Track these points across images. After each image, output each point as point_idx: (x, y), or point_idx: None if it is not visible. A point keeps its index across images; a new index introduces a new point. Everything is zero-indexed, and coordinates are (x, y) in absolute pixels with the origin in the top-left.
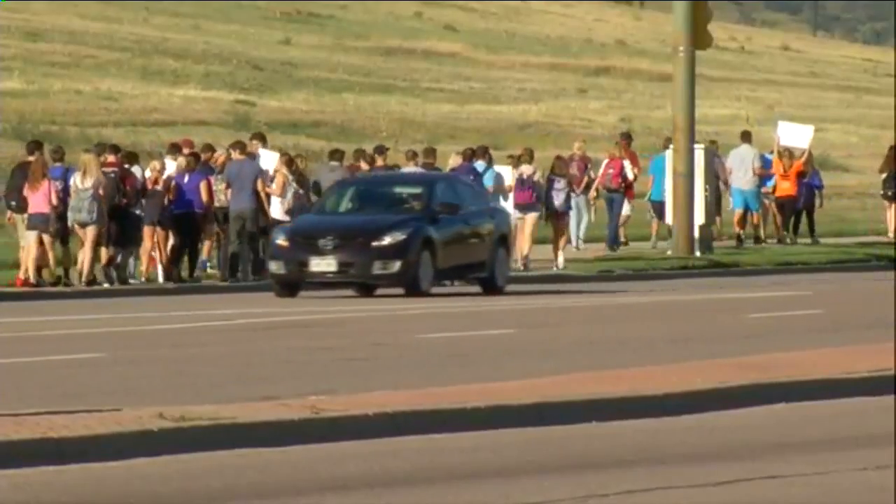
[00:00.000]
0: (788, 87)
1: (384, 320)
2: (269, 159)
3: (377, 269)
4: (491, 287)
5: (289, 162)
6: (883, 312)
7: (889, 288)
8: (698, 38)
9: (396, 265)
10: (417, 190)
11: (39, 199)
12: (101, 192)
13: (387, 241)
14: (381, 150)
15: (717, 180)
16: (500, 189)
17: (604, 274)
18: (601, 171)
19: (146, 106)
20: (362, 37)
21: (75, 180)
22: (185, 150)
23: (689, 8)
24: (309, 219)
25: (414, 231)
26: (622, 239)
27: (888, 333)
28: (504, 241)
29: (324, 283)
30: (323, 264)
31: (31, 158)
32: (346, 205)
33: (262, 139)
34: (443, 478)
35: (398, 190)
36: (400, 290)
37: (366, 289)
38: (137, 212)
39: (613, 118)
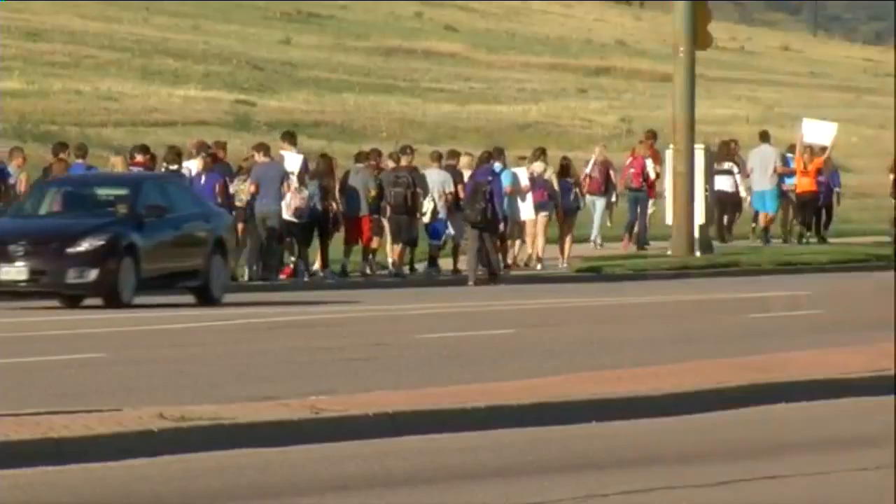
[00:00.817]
0: (788, 87)
1: (385, 320)
2: (293, 161)
3: (71, 277)
4: (206, 297)
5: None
6: (882, 312)
7: (889, 287)
8: (698, 38)
9: (93, 273)
10: (122, 191)
11: None
12: None
13: (83, 246)
14: (406, 150)
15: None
16: (517, 190)
17: (601, 274)
18: (623, 169)
19: (146, 106)
20: (362, 37)
21: None
22: (196, 151)
23: (689, 8)
24: (2, 222)
25: (113, 236)
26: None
27: (888, 334)
28: (222, 246)
29: (14, 292)
30: (13, 272)
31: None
32: (46, 207)
33: (292, 140)
34: (443, 478)
35: (102, 191)
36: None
37: (69, 300)
38: None
39: (614, 118)
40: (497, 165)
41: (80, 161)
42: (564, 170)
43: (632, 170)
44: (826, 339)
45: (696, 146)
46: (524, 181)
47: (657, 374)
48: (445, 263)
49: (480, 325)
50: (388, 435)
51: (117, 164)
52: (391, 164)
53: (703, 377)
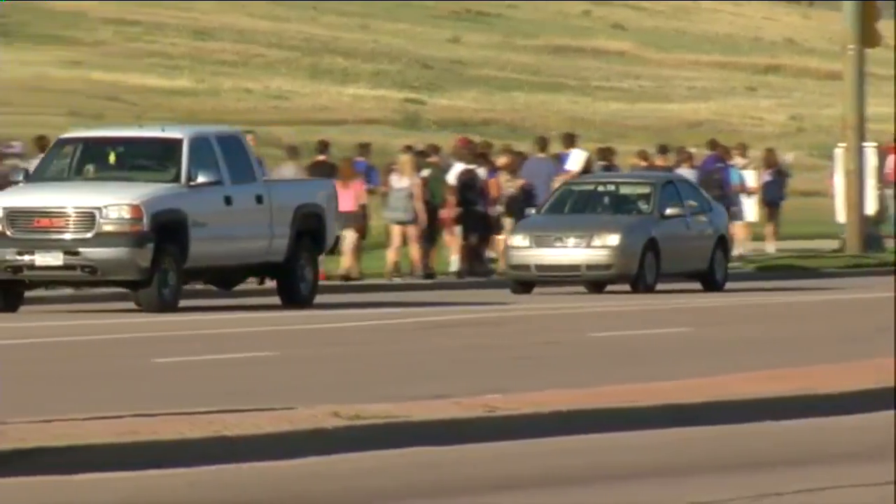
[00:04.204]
0: None
1: (557, 318)
2: (576, 158)
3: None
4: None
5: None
6: None
7: None
8: (867, 36)
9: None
10: (645, 191)
11: (349, 197)
12: (415, 191)
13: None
14: (664, 149)
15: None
16: (742, 188)
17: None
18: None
19: (316, 104)
20: (531, 35)
21: (391, 180)
22: (465, 151)
23: (858, 6)
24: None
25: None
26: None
27: None
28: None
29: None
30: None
31: (321, 157)
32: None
33: (571, 140)
34: (616, 477)
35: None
36: None
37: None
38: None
39: (783, 116)
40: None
41: (360, 159)
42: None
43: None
44: None
45: (867, 144)
46: (750, 182)
47: (828, 373)
48: None
49: (655, 324)
50: (561, 433)
51: (405, 164)
52: (641, 162)
53: (873, 376)
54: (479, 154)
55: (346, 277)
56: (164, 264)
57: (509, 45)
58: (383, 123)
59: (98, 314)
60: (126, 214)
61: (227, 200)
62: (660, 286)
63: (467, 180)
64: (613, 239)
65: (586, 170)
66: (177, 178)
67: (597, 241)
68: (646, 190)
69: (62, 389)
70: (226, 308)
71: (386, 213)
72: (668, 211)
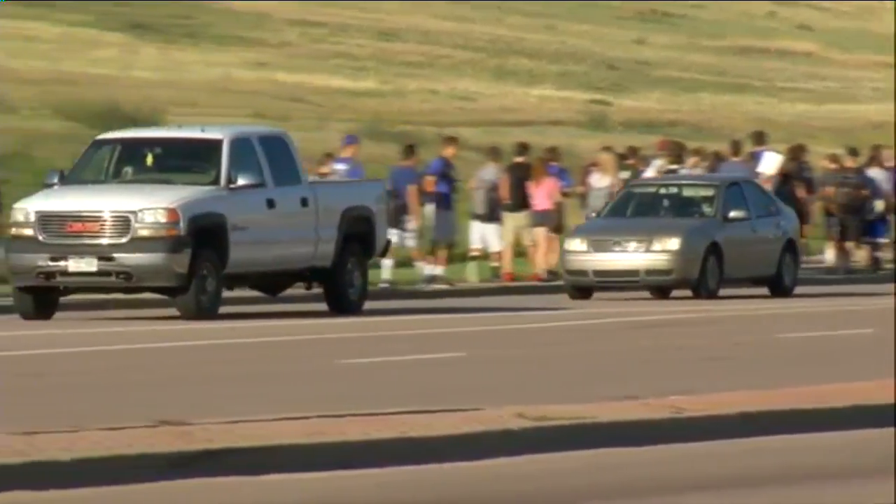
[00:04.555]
0: None
1: (746, 320)
2: (770, 161)
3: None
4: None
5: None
6: None
7: None
8: None
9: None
10: (709, 193)
11: (542, 195)
12: (615, 190)
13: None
14: (854, 152)
15: None
16: None
17: None
18: None
19: (501, 105)
20: (715, 36)
21: (591, 179)
22: (665, 151)
23: None
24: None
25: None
26: None
27: None
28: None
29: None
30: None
31: (519, 159)
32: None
33: (760, 138)
34: (802, 478)
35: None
36: None
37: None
38: None
39: None
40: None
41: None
42: None
43: None
44: None
45: None
46: None
47: None
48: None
49: (843, 325)
50: (748, 434)
51: (606, 163)
52: (831, 165)
53: None
54: (678, 154)
55: (553, 274)
56: (203, 270)
57: (694, 46)
58: (569, 125)
59: (291, 316)
60: (162, 218)
61: (270, 203)
62: (746, 291)
63: None
64: (673, 243)
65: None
66: (216, 181)
67: (656, 246)
68: (709, 192)
69: (249, 390)
70: (272, 314)
71: (585, 212)
72: (732, 214)
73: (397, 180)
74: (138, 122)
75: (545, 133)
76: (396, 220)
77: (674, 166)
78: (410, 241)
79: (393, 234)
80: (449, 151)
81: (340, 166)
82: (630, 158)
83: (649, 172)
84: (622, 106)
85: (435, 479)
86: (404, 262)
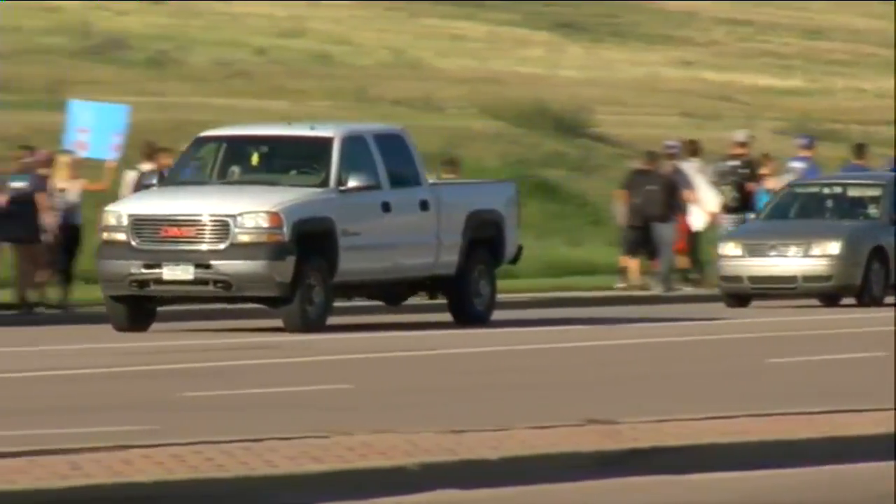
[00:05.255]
0: None
1: None
2: None
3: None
4: None
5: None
6: None
7: None
8: None
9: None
10: (876, 192)
11: None
12: None
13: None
14: None
15: None
16: None
17: None
18: None
19: None
20: None
21: None
22: None
23: None
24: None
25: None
26: None
27: None
28: None
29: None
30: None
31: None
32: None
33: None
34: None
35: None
36: None
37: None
38: None
39: None
40: None
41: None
42: None
43: None
44: None
45: None
46: None
47: None
48: None
49: None
50: None
51: None
52: None
53: None
54: None
55: None
56: (309, 279)
57: None
58: None
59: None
60: (263, 223)
61: (385, 207)
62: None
63: None
64: (834, 247)
65: None
66: (325, 182)
67: (815, 250)
68: (875, 192)
69: (674, 389)
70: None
71: None
72: None
73: None
74: (564, 121)
75: None
76: None
77: None
78: None
79: None
80: None
81: (798, 164)
82: None
83: None
84: None
85: (856, 479)
86: None
